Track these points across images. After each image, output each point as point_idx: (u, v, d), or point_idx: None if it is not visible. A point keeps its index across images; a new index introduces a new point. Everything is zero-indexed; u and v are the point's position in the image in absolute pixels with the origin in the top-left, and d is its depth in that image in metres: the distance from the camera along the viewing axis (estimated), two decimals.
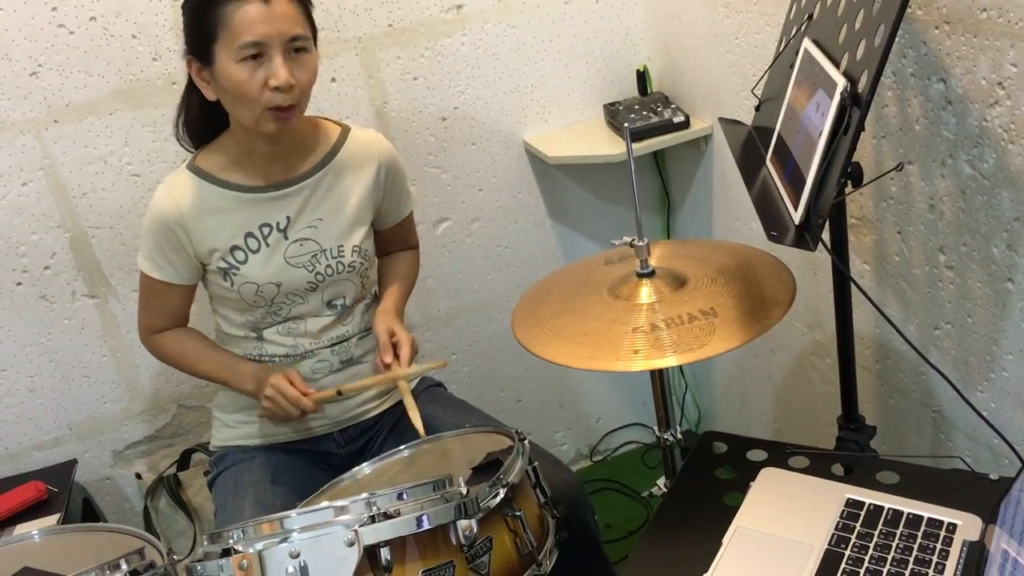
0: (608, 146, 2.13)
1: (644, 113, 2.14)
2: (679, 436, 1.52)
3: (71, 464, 1.98)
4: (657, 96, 2.22)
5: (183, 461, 2.09)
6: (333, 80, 2.03)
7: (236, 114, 1.49)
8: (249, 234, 1.57)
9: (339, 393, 1.58)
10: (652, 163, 2.39)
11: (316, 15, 1.50)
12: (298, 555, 1.04)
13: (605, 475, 2.54)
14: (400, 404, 1.72)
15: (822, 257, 1.75)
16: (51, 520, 1.77)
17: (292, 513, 1.08)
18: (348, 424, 1.70)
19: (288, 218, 1.58)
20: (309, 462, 1.69)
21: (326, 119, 1.67)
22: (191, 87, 1.55)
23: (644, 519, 2.33)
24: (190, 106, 1.59)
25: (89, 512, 1.98)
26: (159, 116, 1.91)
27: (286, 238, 1.59)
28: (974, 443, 1.54)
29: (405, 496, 1.10)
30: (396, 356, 1.57)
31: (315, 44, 1.50)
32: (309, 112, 1.57)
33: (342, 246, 1.62)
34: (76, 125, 1.88)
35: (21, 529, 1.73)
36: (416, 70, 2.10)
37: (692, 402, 2.63)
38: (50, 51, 1.82)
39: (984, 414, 1.42)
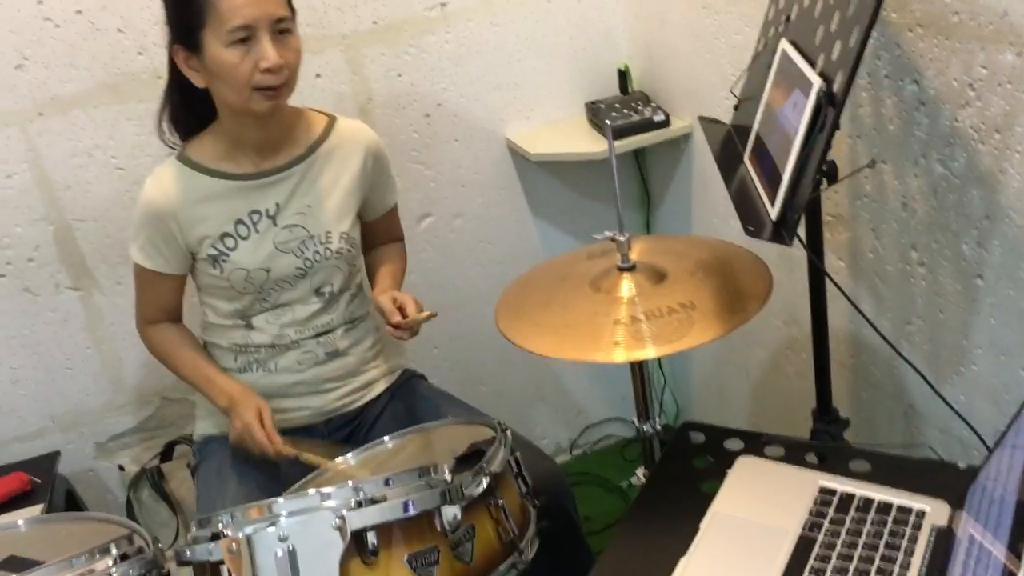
0: (589, 144, 2.16)
1: (625, 112, 2.16)
2: (659, 428, 1.55)
3: (54, 456, 1.97)
4: (638, 95, 2.25)
5: (166, 453, 2.10)
6: (318, 76, 2.05)
7: (226, 98, 1.52)
8: (239, 221, 1.59)
9: (297, 458, 1.55)
10: (633, 161, 2.41)
11: (302, 11, 1.53)
12: (286, 539, 1.06)
13: (584, 468, 2.57)
14: (383, 394, 1.76)
15: (799, 255, 1.79)
16: (35, 511, 1.77)
17: (280, 499, 1.10)
18: (333, 414, 1.72)
19: (277, 205, 1.61)
20: None
21: (313, 109, 1.69)
22: (173, 81, 1.57)
23: (623, 512, 2.36)
24: (174, 99, 1.61)
25: (72, 504, 1.98)
26: (144, 110, 1.92)
27: (275, 224, 1.61)
28: (945, 435, 1.57)
29: (391, 483, 1.12)
30: (404, 316, 1.58)
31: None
32: (295, 104, 1.59)
33: (330, 232, 1.64)
34: (61, 118, 1.88)
35: (5, 519, 1.73)
36: (400, 67, 2.12)
37: (671, 397, 2.66)
38: (35, 44, 1.83)
39: (955, 406, 1.46)
